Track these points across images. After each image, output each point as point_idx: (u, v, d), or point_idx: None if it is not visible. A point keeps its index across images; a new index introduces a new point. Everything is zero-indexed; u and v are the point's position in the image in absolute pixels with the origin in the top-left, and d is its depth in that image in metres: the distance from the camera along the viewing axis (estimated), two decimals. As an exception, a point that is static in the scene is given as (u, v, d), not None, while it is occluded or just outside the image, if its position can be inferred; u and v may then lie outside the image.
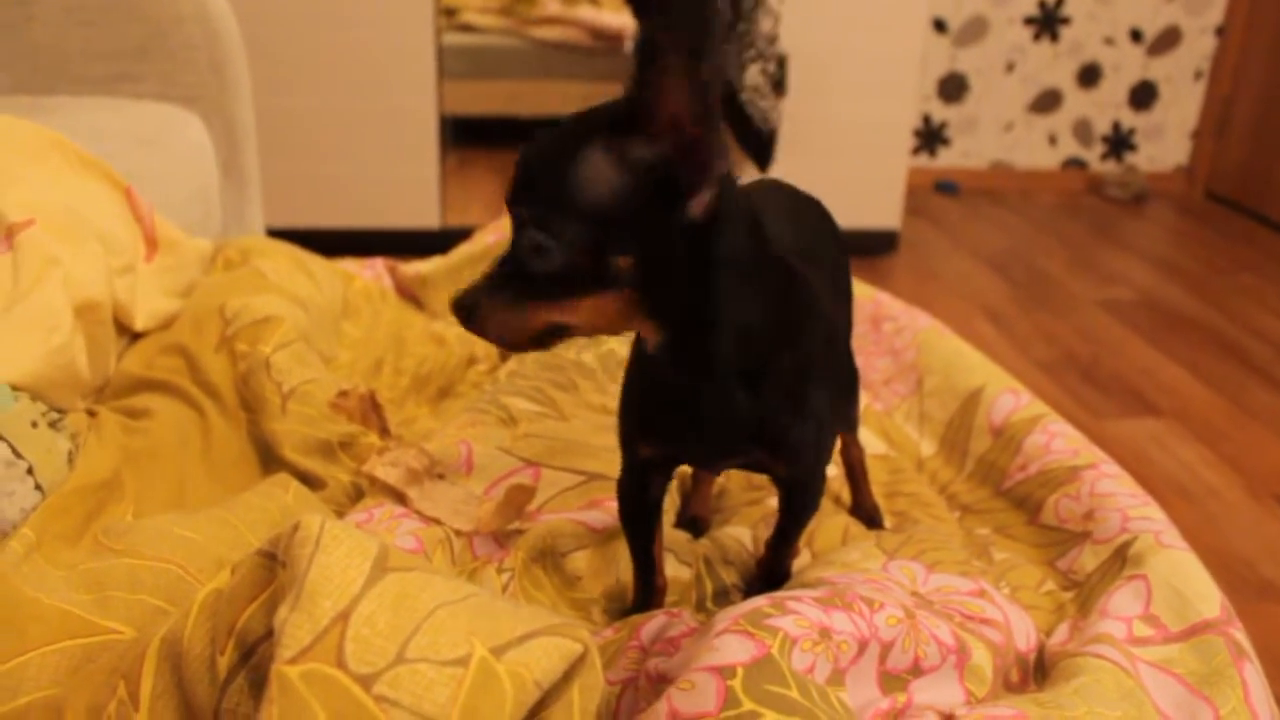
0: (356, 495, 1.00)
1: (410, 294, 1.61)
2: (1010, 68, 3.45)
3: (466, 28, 3.13)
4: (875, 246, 2.84)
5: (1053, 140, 3.57)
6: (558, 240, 0.59)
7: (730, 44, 2.33)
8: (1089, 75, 3.49)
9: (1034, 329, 2.37)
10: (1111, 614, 0.85)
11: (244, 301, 1.21)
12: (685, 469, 1.09)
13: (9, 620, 0.69)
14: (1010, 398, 1.21)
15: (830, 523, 1.01)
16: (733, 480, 1.11)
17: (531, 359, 1.24)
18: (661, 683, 0.67)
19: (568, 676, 0.57)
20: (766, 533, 0.91)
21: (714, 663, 0.63)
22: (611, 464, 0.83)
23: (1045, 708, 0.70)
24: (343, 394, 1.08)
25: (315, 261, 1.48)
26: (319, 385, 1.10)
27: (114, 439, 1.01)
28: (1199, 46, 3.49)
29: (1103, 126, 3.57)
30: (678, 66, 0.55)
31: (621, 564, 0.92)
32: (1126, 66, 3.49)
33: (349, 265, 1.63)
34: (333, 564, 0.57)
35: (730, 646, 0.64)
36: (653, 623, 0.78)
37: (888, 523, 1.07)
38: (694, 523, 1.03)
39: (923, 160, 3.53)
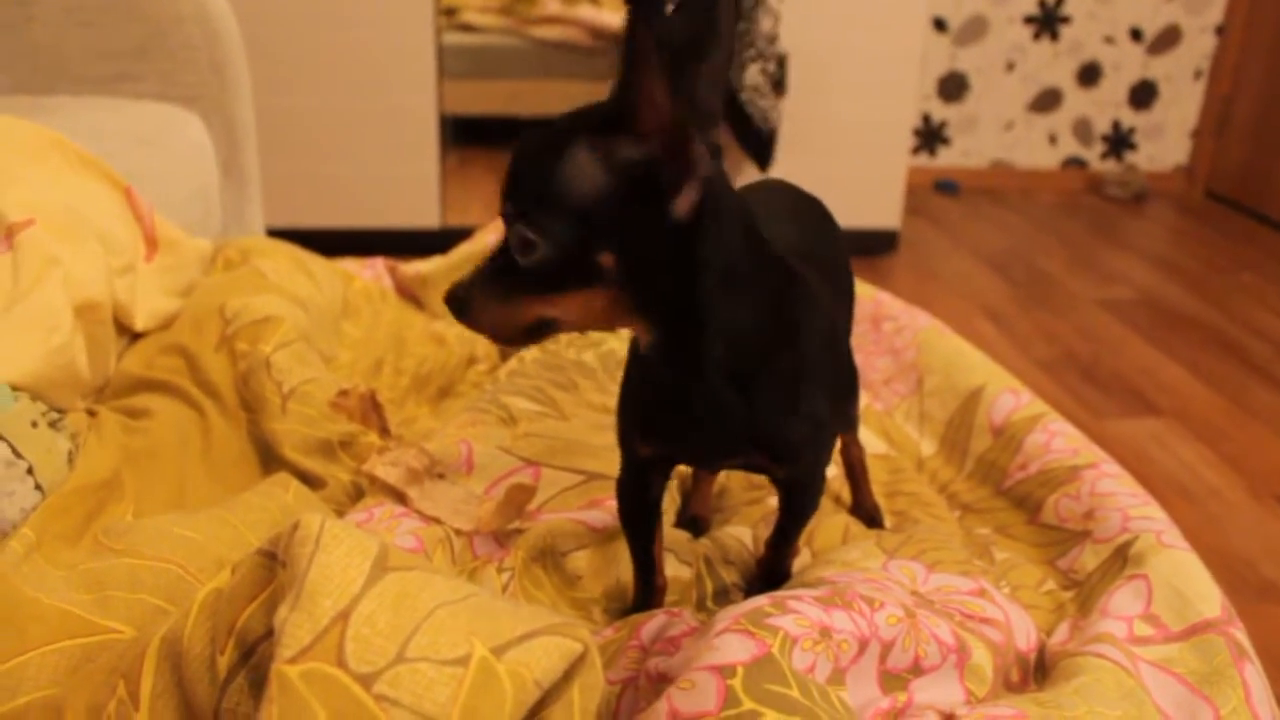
0: (357, 495, 1.00)
1: (410, 294, 1.61)
2: (1010, 67, 3.45)
3: (466, 27, 3.13)
4: (875, 246, 2.84)
5: (1053, 139, 3.57)
6: (544, 236, 0.60)
7: (735, 47, 2.33)
8: (1089, 74, 3.49)
9: (1034, 328, 2.37)
10: (1112, 613, 0.85)
11: (244, 301, 1.21)
12: (686, 468, 1.09)
13: (9, 620, 0.69)
14: (1010, 397, 1.21)
15: (830, 522, 1.01)
16: (733, 480, 1.11)
17: (532, 359, 1.24)
18: (662, 682, 0.67)
19: (568, 676, 0.57)
20: (767, 532, 0.91)
21: (714, 662, 0.63)
22: (612, 463, 0.83)
23: (1046, 707, 0.70)
24: (343, 393, 1.08)
25: (315, 261, 1.48)
26: (319, 385, 1.10)
27: (114, 439, 1.01)
28: (1199, 45, 3.49)
29: (1103, 126, 3.57)
30: (658, 68, 0.55)
31: (622, 563, 0.92)
32: (1126, 66, 3.49)
33: (349, 265, 1.63)
34: (333, 563, 0.57)
35: (731, 646, 0.64)
36: (653, 622, 0.78)
37: (888, 522, 1.07)
38: (694, 522, 1.03)
39: (923, 159, 3.53)
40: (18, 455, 0.85)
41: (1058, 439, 1.12)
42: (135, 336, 1.21)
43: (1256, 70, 3.38)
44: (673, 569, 0.92)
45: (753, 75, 2.44)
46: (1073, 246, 3.02)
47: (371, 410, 1.08)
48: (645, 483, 0.81)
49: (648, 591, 0.86)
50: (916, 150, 3.51)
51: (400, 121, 2.50)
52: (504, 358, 1.35)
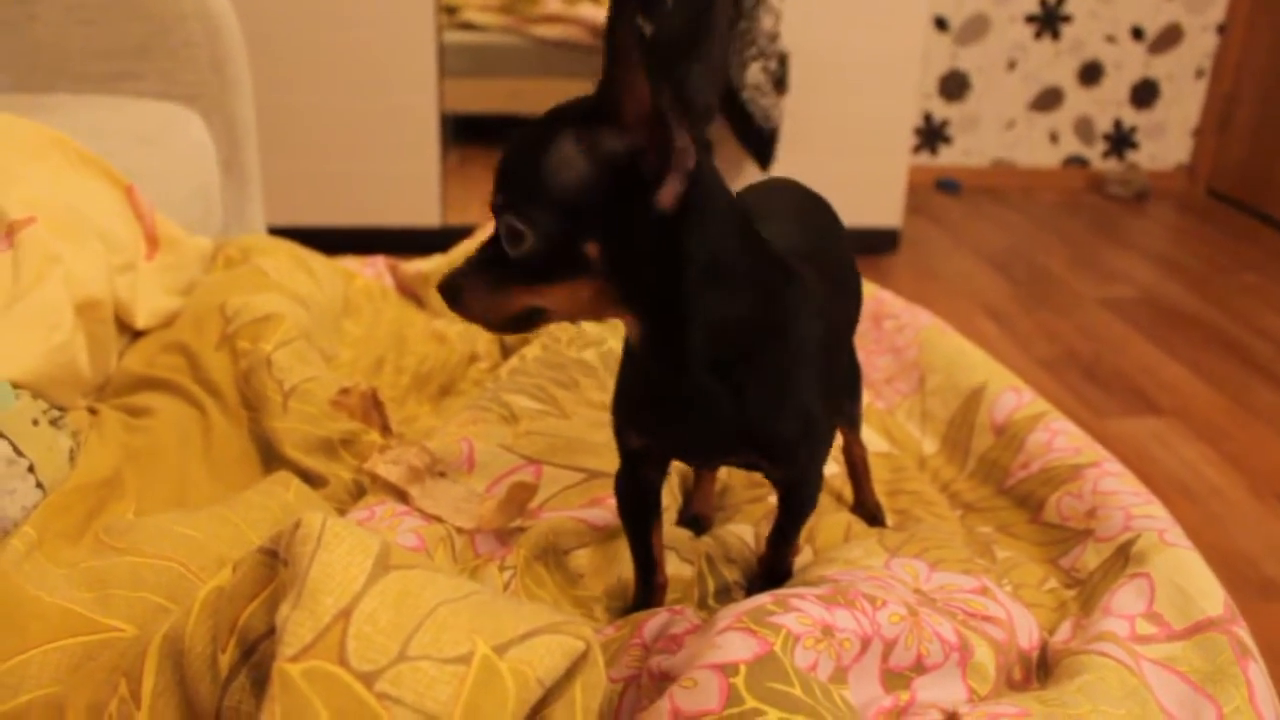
0: (358, 493, 1.00)
1: (411, 292, 1.61)
2: (1011, 66, 3.44)
3: (467, 26, 3.13)
4: (876, 245, 2.84)
5: (1054, 138, 3.56)
6: (531, 227, 0.62)
7: (732, 42, 2.33)
8: (1090, 73, 3.48)
9: (1035, 327, 2.36)
10: (1114, 612, 0.85)
11: (245, 299, 1.21)
12: (688, 466, 1.09)
13: (10, 618, 0.69)
14: (1012, 396, 1.21)
15: (832, 520, 1.01)
16: (735, 478, 1.11)
17: (533, 357, 1.24)
18: (664, 680, 0.66)
19: (570, 674, 0.57)
20: (769, 530, 0.91)
21: (717, 660, 0.62)
22: (613, 462, 0.83)
23: (1049, 705, 0.70)
24: (344, 392, 1.08)
25: (316, 259, 1.48)
26: (320, 383, 1.10)
27: (115, 437, 1.00)
28: (1200, 44, 3.48)
29: (1104, 124, 3.57)
30: (639, 60, 0.56)
31: (623, 562, 0.92)
32: (1128, 64, 3.49)
33: (350, 263, 1.63)
34: (334, 562, 0.56)
35: (733, 644, 0.64)
36: (655, 620, 0.78)
37: (890, 520, 1.07)
38: (696, 520, 1.02)
39: (924, 158, 3.52)
40: (19, 453, 0.85)
41: (1060, 438, 1.12)
42: (136, 335, 1.21)
43: (1258, 69, 3.38)
44: (674, 567, 0.92)
45: (754, 74, 2.43)
46: (1074, 245, 3.01)
47: (373, 408, 1.08)
48: (641, 477, 0.81)
49: (648, 589, 0.86)
50: (918, 149, 3.51)
51: (401, 120, 2.50)
52: (505, 356, 1.35)
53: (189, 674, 0.60)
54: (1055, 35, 3.42)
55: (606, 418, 1.11)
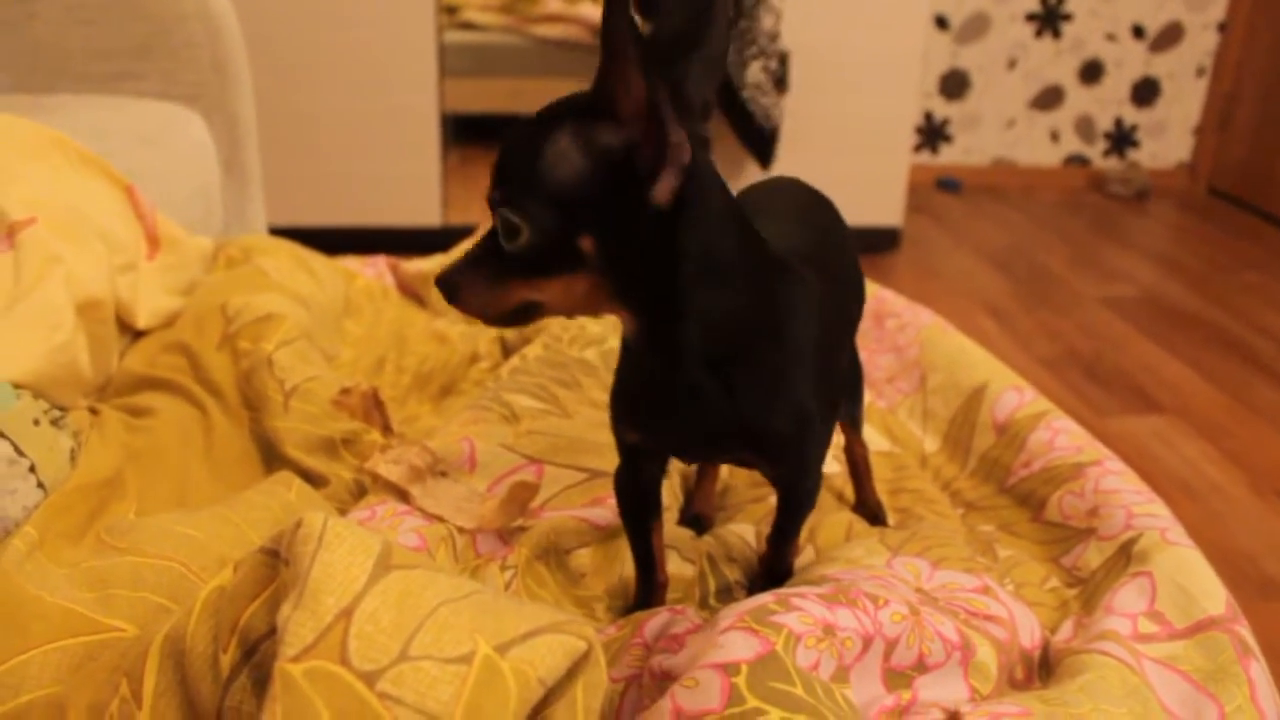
0: (359, 493, 1.00)
1: (412, 292, 1.61)
2: (1012, 64, 3.44)
3: (467, 25, 3.13)
4: (877, 244, 2.84)
5: (1055, 137, 3.56)
6: (527, 220, 0.62)
7: (733, 41, 2.32)
8: (1091, 72, 3.48)
9: (1036, 326, 2.36)
10: (1116, 611, 0.85)
11: (246, 299, 1.21)
12: (690, 465, 1.09)
13: (12, 618, 0.69)
14: (1014, 395, 1.21)
15: (834, 519, 1.01)
16: (736, 477, 1.11)
17: (534, 356, 1.24)
18: (665, 680, 0.66)
19: (571, 674, 0.57)
20: (770, 530, 0.91)
21: (718, 660, 0.62)
22: (614, 461, 0.83)
23: (1051, 704, 0.70)
24: (345, 391, 1.08)
25: (317, 259, 1.48)
26: (321, 383, 1.10)
27: (116, 437, 1.00)
28: (1201, 42, 3.48)
29: (1105, 123, 3.57)
30: (634, 55, 0.56)
31: (625, 561, 0.92)
32: (1128, 63, 3.49)
33: (351, 263, 1.63)
34: (336, 561, 0.56)
35: (735, 643, 0.64)
36: (656, 620, 0.78)
37: (891, 519, 1.07)
38: (697, 520, 1.02)
39: (924, 157, 3.52)
40: (20, 453, 0.85)
41: (1061, 436, 1.12)
42: (137, 335, 1.21)
43: (1259, 67, 3.38)
44: (675, 566, 0.92)
45: (754, 73, 2.43)
46: (1075, 244, 3.01)
47: (374, 408, 1.08)
48: (640, 473, 0.81)
49: (649, 587, 0.86)
50: (918, 148, 3.50)
51: (402, 120, 2.50)
52: (506, 355, 1.35)
53: (190, 674, 0.60)
54: (1056, 34, 3.42)
55: (607, 417, 1.11)
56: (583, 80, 0.62)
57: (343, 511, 0.96)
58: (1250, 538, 1.54)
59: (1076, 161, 3.60)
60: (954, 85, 3.45)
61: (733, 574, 0.94)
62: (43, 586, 0.73)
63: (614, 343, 1.28)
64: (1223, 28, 3.46)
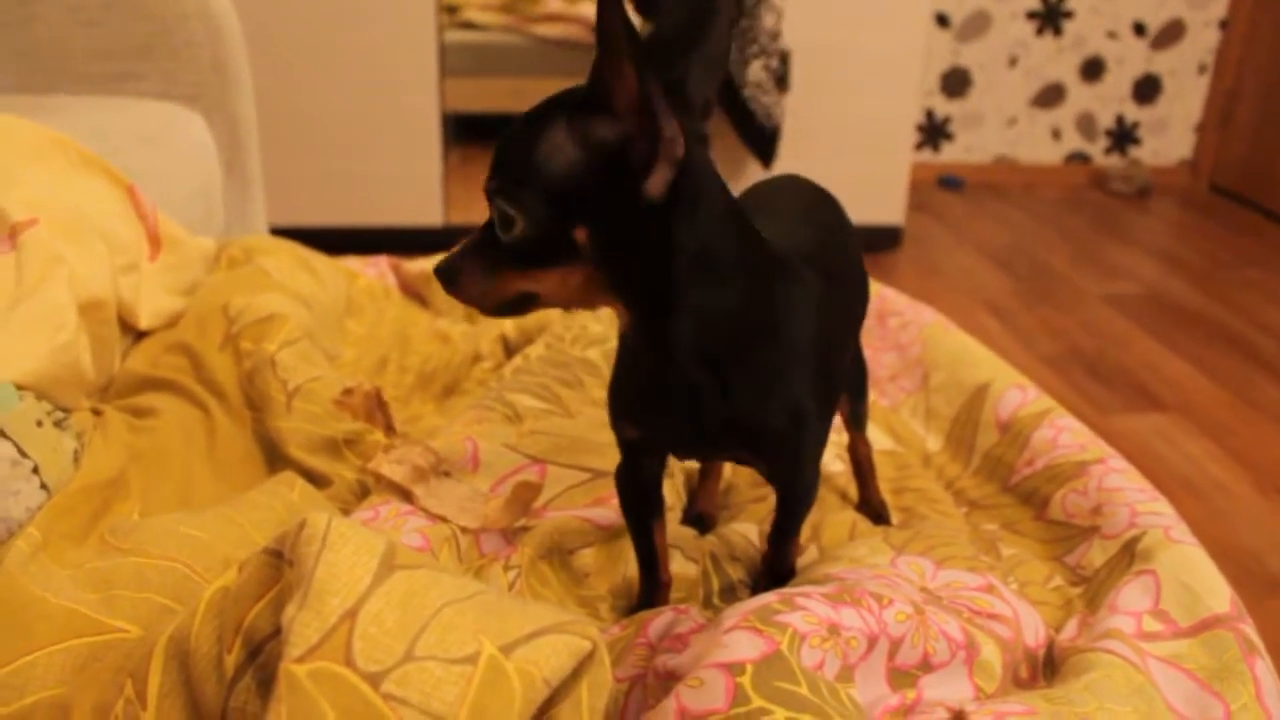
0: (362, 493, 1.00)
1: (414, 291, 1.61)
2: (1013, 62, 3.44)
3: (468, 25, 3.13)
4: (879, 242, 2.84)
5: (1056, 134, 3.56)
6: (522, 211, 0.63)
7: (734, 39, 2.32)
8: (1092, 69, 3.48)
9: (1038, 324, 2.36)
10: (1121, 609, 0.85)
11: (248, 300, 1.20)
12: (693, 464, 1.09)
13: (16, 619, 0.69)
14: (1017, 393, 1.21)
15: (837, 518, 1.01)
16: (740, 476, 1.11)
17: (537, 356, 1.24)
18: (670, 680, 0.66)
19: (576, 674, 0.57)
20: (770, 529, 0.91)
21: (723, 659, 0.62)
22: (616, 461, 0.83)
23: (1056, 703, 0.70)
24: (348, 391, 1.08)
25: (318, 259, 1.48)
26: (324, 383, 1.10)
27: (119, 438, 1.00)
28: (1202, 39, 3.48)
29: (1106, 120, 3.56)
30: (628, 48, 0.57)
31: (628, 561, 0.91)
32: (1130, 60, 3.48)
33: (352, 263, 1.63)
34: (340, 562, 0.56)
35: (739, 643, 0.63)
36: (660, 619, 0.78)
37: (895, 518, 1.07)
38: (700, 519, 1.02)
39: (926, 155, 3.52)
40: (23, 454, 0.85)
41: (1065, 434, 1.12)
42: (139, 335, 1.21)
43: (1260, 64, 3.37)
44: (679, 566, 0.92)
45: (756, 72, 2.43)
46: (1077, 242, 3.01)
47: (376, 408, 1.07)
48: (641, 468, 0.81)
49: (652, 586, 0.86)
50: (920, 146, 3.50)
51: (403, 119, 2.50)
52: (509, 355, 1.35)
53: (194, 675, 0.60)
54: (1057, 31, 3.41)
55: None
56: (583, 79, 0.63)
57: (346, 512, 0.95)
58: (1254, 536, 1.54)
59: (1078, 159, 3.60)
60: (955, 83, 3.44)
61: (736, 573, 0.94)
62: (47, 587, 0.73)
63: (616, 342, 1.27)
64: (1224, 25, 3.46)
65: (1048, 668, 0.82)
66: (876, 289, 1.52)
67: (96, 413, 1.05)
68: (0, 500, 0.81)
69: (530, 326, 1.37)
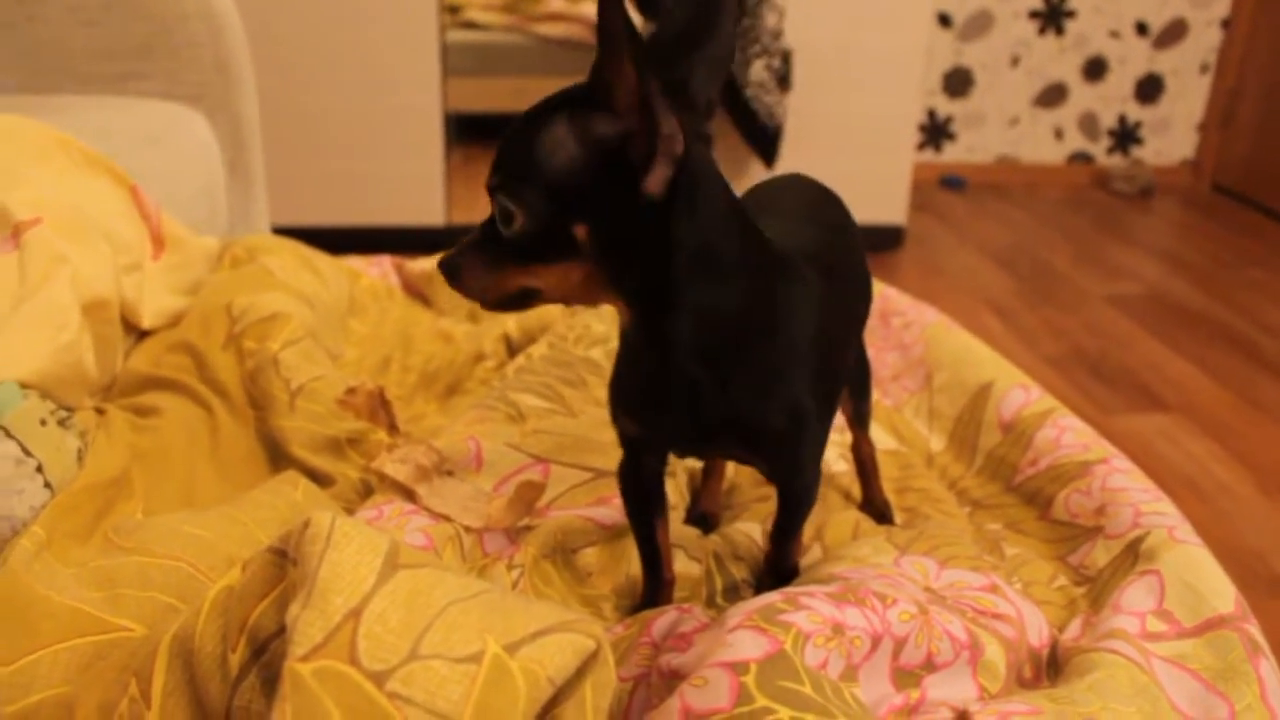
0: (366, 492, 1.00)
1: (417, 291, 1.61)
2: (1015, 62, 3.44)
3: (470, 25, 3.13)
4: (881, 242, 2.84)
5: (1058, 134, 3.56)
6: (521, 206, 0.63)
7: (737, 39, 2.32)
8: (1094, 69, 3.48)
9: (1041, 324, 2.36)
10: (1124, 609, 0.84)
11: (251, 299, 1.20)
12: (697, 463, 1.09)
13: (20, 618, 0.69)
14: (1020, 393, 1.21)
15: (841, 518, 1.01)
16: (743, 476, 1.11)
17: (540, 355, 1.24)
18: (674, 679, 0.66)
19: (580, 673, 0.57)
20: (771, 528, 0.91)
21: (727, 658, 0.62)
22: (620, 460, 0.83)
23: (1060, 703, 0.70)
24: (351, 391, 1.08)
25: (321, 259, 1.48)
26: (327, 382, 1.10)
27: (123, 437, 1.01)
28: (1205, 39, 3.47)
29: (1109, 120, 3.56)
30: (629, 45, 0.57)
31: (631, 560, 0.91)
32: (1132, 60, 3.48)
33: (355, 263, 1.63)
34: (344, 561, 0.56)
35: (743, 642, 0.63)
36: (664, 618, 0.78)
37: (898, 518, 1.07)
38: (704, 519, 1.02)
39: (928, 155, 3.52)
40: (27, 453, 0.85)
41: (1068, 434, 1.11)
42: (142, 335, 1.21)
43: (1262, 63, 3.37)
44: (682, 565, 0.92)
45: (758, 71, 2.43)
46: (1079, 242, 3.01)
47: (380, 407, 1.08)
48: (642, 465, 0.82)
49: (655, 584, 0.86)
50: (922, 146, 3.50)
51: (405, 119, 2.50)
52: (511, 355, 1.35)
53: (199, 673, 0.60)
54: (1059, 31, 3.41)
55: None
56: (585, 78, 0.63)
57: (349, 511, 0.96)
58: (1258, 536, 1.54)
59: (1080, 159, 3.60)
60: (957, 83, 3.44)
61: (739, 572, 0.94)
62: (51, 586, 0.73)
63: (617, 342, 1.28)
64: (1226, 24, 3.45)
65: (1051, 668, 0.82)
66: (879, 288, 1.52)
67: (100, 412, 1.05)
68: (4, 499, 0.81)
69: (533, 326, 1.37)
